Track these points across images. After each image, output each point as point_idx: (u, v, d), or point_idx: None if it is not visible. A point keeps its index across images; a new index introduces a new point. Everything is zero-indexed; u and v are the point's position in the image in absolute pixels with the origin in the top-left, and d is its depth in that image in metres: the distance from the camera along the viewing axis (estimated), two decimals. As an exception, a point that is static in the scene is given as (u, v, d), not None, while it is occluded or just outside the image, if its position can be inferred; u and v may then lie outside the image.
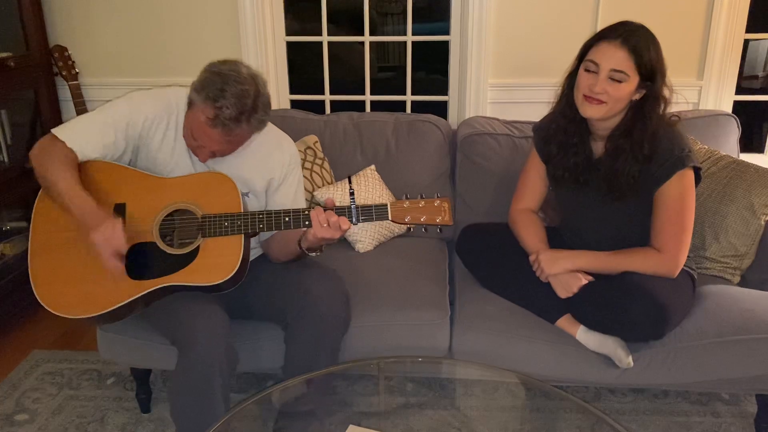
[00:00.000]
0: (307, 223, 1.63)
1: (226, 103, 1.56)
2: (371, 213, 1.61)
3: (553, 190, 2.01)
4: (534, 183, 2.03)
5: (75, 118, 1.78)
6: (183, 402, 1.63)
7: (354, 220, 1.62)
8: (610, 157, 1.80)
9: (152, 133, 1.76)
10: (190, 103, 1.65)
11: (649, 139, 1.74)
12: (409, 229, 1.64)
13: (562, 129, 1.87)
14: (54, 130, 1.71)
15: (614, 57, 1.68)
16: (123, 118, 1.73)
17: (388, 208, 1.61)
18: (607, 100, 1.71)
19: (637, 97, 1.74)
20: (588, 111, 1.75)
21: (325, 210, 1.61)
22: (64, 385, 2.32)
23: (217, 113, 1.57)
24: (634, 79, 1.70)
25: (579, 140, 1.85)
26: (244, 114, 1.59)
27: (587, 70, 1.73)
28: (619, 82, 1.69)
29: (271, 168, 1.86)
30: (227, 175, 1.72)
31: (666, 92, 1.74)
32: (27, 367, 2.42)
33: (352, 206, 1.61)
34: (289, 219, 1.64)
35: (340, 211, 1.61)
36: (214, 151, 1.68)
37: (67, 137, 1.69)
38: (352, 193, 1.65)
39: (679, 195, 1.76)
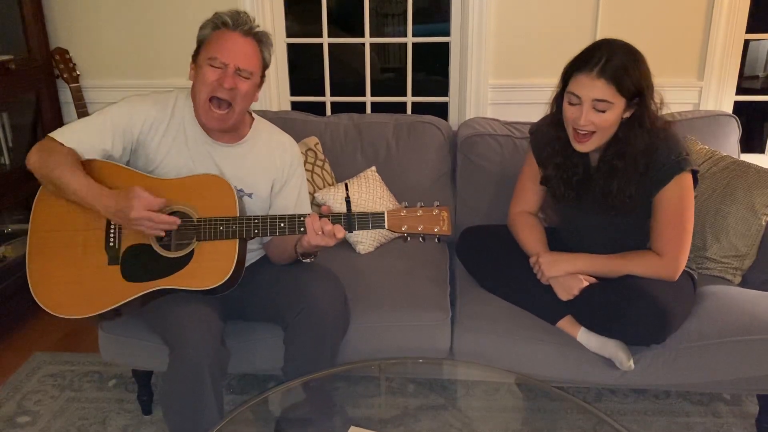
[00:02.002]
0: (302, 229, 1.63)
1: (238, 13, 1.71)
2: (367, 221, 1.60)
3: (553, 201, 2.00)
4: (532, 186, 2.02)
5: (71, 122, 1.78)
6: (174, 403, 1.63)
7: (349, 228, 1.61)
8: (604, 175, 1.79)
9: (151, 135, 1.76)
10: (200, 44, 1.73)
11: (643, 154, 1.73)
12: (405, 238, 1.61)
13: (559, 152, 1.85)
14: (51, 134, 1.71)
15: (594, 89, 1.65)
16: (121, 122, 1.74)
17: (385, 217, 1.58)
18: (595, 129, 1.70)
19: (626, 115, 1.72)
20: (581, 148, 1.75)
21: (320, 217, 1.60)
22: (65, 387, 2.32)
23: (231, 19, 1.69)
24: (619, 104, 1.68)
25: (578, 158, 1.84)
26: (251, 22, 1.72)
27: (570, 103, 1.72)
28: (603, 111, 1.67)
29: (275, 169, 1.87)
30: (224, 178, 1.72)
31: (656, 102, 1.72)
32: (29, 369, 2.43)
33: (348, 214, 1.61)
34: (285, 225, 1.64)
35: (336, 218, 1.61)
36: (238, 65, 1.68)
37: (64, 139, 1.69)
38: (348, 201, 1.64)
39: (678, 199, 1.76)
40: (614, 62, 1.64)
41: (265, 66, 1.78)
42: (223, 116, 1.71)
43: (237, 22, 1.69)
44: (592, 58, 1.66)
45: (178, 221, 1.63)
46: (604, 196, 1.80)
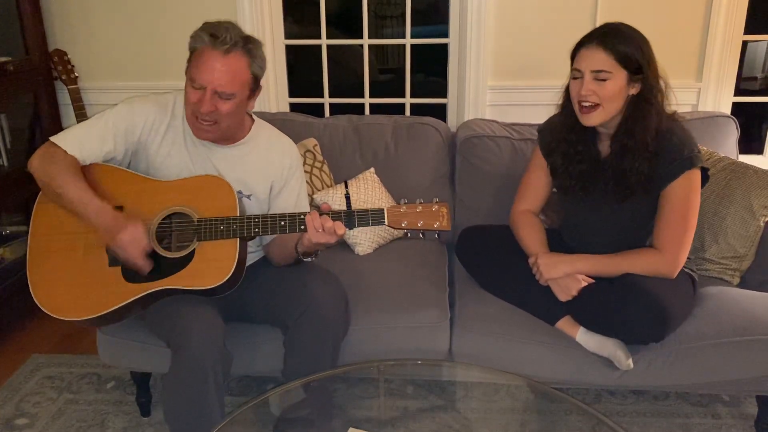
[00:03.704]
0: (302, 227, 1.63)
1: (220, 28, 1.64)
2: (367, 218, 1.60)
3: (560, 195, 2.00)
4: (537, 184, 2.02)
5: (73, 126, 1.78)
6: (176, 404, 1.63)
7: (349, 225, 1.61)
8: (616, 156, 1.80)
9: (151, 136, 1.77)
10: (191, 53, 1.68)
11: (653, 135, 1.74)
12: (406, 234, 1.61)
13: (564, 139, 1.87)
14: (52, 138, 1.71)
15: (593, 59, 1.71)
16: (122, 124, 1.74)
17: (385, 213, 1.59)
18: (598, 100, 1.72)
19: (633, 92, 1.74)
20: (586, 120, 1.77)
21: (320, 215, 1.60)
22: (63, 389, 2.31)
23: (214, 35, 1.62)
24: (619, 75, 1.71)
25: (584, 147, 1.86)
26: (241, 38, 1.65)
27: (574, 78, 1.77)
28: (604, 80, 1.71)
29: (273, 171, 1.86)
30: (224, 179, 1.73)
31: (660, 83, 1.75)
32: (27, 371, 2.42)
33: (348, 211, 1.61)
34: (285, 223, 1.64)
35: (336, 216, 1.61)
36: (216, 88, 1.62)
37: (66, 145, 1.69)
38: (348, 198, 1.64)
39: (685, 195, 1.77)
40: (613, 34, 1.71)
41: (255, 78, 1.71)
42: (210, 129, 1.71)
43: (217, 41, 1.61)
44: (592, 35, 1.74)
45: (147, 267, 1.65)
46: (616, 180, 1.81)
